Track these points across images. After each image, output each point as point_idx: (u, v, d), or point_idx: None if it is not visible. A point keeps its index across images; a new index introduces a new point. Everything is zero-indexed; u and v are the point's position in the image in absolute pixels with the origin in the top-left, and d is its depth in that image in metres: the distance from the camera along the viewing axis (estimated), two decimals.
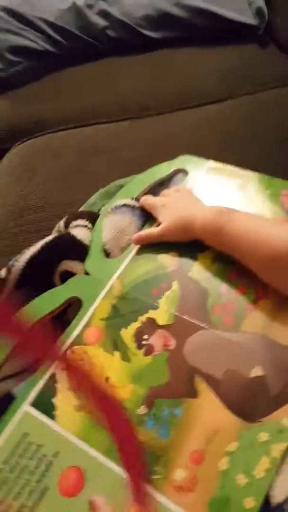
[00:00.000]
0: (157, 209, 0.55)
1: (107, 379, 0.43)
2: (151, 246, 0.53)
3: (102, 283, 0.51)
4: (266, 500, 0.36)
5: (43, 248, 0.56)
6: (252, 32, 1.03)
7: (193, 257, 0.51)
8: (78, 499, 0.37)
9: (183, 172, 0.62)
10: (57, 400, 0.43)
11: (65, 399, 0.43)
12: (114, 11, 1.07)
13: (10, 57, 1.05)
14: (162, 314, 0.47)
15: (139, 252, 0.53)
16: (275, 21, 1.02)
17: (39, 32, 1.07)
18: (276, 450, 0.37)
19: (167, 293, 0.48)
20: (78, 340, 0.47)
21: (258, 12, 1.02)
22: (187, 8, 1.04)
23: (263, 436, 0.38)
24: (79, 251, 0.57)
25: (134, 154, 0.85)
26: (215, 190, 0.58)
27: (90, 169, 0.84)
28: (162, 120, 0.92)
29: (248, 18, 1.02)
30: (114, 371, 0.44)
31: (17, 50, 1.05)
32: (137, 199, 0.59)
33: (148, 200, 0.57)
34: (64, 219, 0.63)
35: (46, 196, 0.80)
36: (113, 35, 1.08)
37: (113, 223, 0.57)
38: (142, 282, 0.50)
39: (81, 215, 0.61)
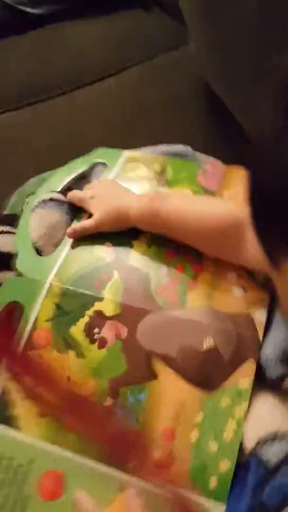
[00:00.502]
0: (87, 202, 0.55)
1: (68, 378, 0.44)
2: (84, 239, 0.53)
3: (39, 283, 0.50)
4: (241, 453, 0.39)
5: None
6: None
7: (129, 244, 0.52)
8: (61, 500, 0.39)
9: (102, 164, 0.62)
10: (17, 411, 0.43)
11: (25, 408, 0.43)
12: None
13: None
14: (108, 305, 0.47)
15: (73, 247, 0.53)
16: None
17: None
18: (239, 411, 0.40)
19: (110, 283, 0.49)
20: (30, 345, 0.46)
21: None
22: None
23: (225, 401, 0.41)
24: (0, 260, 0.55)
25: (45, 143, 0.83)
26: (135, 179, 0.59)
27: (1, 166, 0.81)
28: (66, 101, 0.89)
29: None
30: (73, 370, 0.44)
31: None
32: (62, 193, 0.58)
33: (77, 194, 0.57)
34: None
35: None
36: None
37: (43, 219, 0.55)
38: (82, 276, 0.50)
39: (2, 221, 0.59)
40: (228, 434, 0.40)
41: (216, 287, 0.48)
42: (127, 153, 0.62)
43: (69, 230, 0.54)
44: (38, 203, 0.56)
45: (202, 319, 0.46)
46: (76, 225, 0.54)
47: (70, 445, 0.41)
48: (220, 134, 0.80)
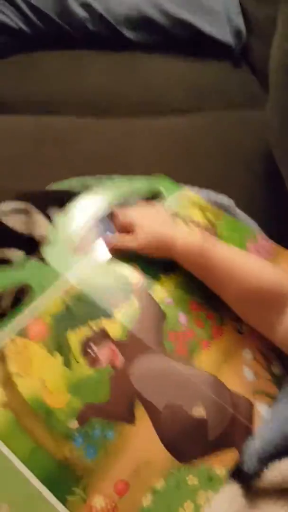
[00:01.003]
0: (136, 223, 0.53)
1: (43, 381, 0.41)
2: (117, 254, 0.52)
3: (58, 276, 0.49)
4: None
5: None
6: (228, 51, 1.04)
7: (157, 277, 0.51)
8: None
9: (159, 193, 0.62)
10: None
11: None
12: (97, 5, 1.05)
13: None
14: (116, 327, 0.46)
15: (104, 256, 0.52)
16: (252, 45, 1.03)
17: (17, 10, 1.04)
18: (202, 497, 0.37)
19: (125, 306, 0.47)
20: (21, 332, 0.44)
21: (237, 33, 1.03)
22: (169, 16, 1.04)
23: (192, 480, 0.38)
24: (14, 240, 0.54)
25: (94, 151, 0.84)
26: (186, 219, 0.58)
27: (45, 159, 0.81)
28: (127, 123, 0.91)
29: (226, 36, 1.03)
30: (53, 375, 0.42)
31: None
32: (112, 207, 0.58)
33: (128, 213, 0.56)
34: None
35: None
36: (91, 28, 1.06)
37: (90, 223, 0.56)
38: (101, 288, 0.48)
39: (19, 197, 0.58)
40: None
41: (228, 359, 0.45)
42: (186, 191, 0.62)
43: (110, 241, 0.53)
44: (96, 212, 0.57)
45: (202, 384, 0.43)
46: (119, 240, 0.53)
47: (21, 447, 0.38)
48: (269, 200, 0.78)
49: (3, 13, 1.04)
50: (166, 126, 0.90)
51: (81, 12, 1.05)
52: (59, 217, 0.57)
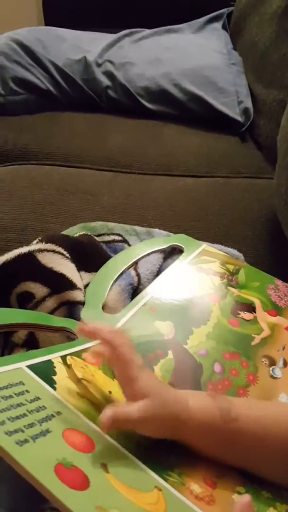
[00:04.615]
0: (137, 382, 0.38)
1: (109, 391, 0.42)
2: (148, 311, 0.53)
3: None
4: None
5: (2, 265, 0.56)
6: (236, 127, 1.14)
7: (189, 330, 0.52)
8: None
9: (179, 248, 0.66)
10: (56, 379, 0.40)
11: (64, 381, 0.40)
12: (119, 75, 1.15)
13: (13, 86, 1.09)
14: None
15: (137, 314, 0.53)
16: (259, 123, 1.14)
17: (46, 73, 1.13)
18: (281, 508, 0.37)
19: (162, 360, 0.48)
20: (77, 355, 0.44)
21: (245, 111, 1.14)
22: (184, 91, 1.15)
23: (266, 494, 0.38)
24: (42, 273, 0.56)
25: (112, 203, 0.89)
26: (207, 271, 0.61)
27: (68, 205, 0.86)
28: (143, 180, 0.97)
29: (235, 114, 1.13)
30: (116, 389, 0.41)
31: (21, 82, 1.10)
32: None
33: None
34: (36, 240, 0.63)
35: (19, 219, 0.81)
36: (113, 96, 1.16)
37: (123, 286, 0.58)
38: (138, 345, 0.48)
39: (52, 239, 0.61)
40: None
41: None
42: (205, 245, 0.66)
43: (109, 414, 0.35)
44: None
45: None
46: (120, 411, 0.37)
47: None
48: (274, 259, 0.84)
49: (32, 73, 1.13)
50: (180, 186, 0.97)
51: (104, 80, 1.16)
52: (94, 277, 0.59)
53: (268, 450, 0.39)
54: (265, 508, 0.37)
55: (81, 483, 0.30)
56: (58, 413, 0.36)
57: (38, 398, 0.36)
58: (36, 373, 0.38)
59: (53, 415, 0.35)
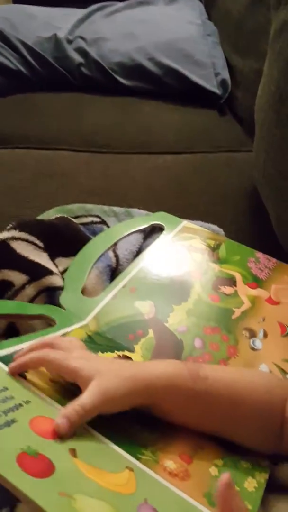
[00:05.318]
0: (79, 372, 0.38)
1: None
2: (128, 292, 0.54)
3: (78, 318, 0.50)
4: None
5: None
6: (214, 99, 1.12)
7: (169, 307, 0.52)
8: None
9: (160, 227, 0.65)
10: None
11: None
12: (92, 51, 1.12)
13: None
14: (137, 358, 0.47)
15: (117, 295, 0.54)
16: (236, 95, 1.12)
17: (16, 53, 1.09)
18: (260, 476, 0.38)
19: (143, 340, 0.49)
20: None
21: (222, 83, 1.12)
22: (159, 65, 1.12)
23: (245, 464, 0.39)
24: (19, 262, 0.55)
25: (90, 184, 0.87)
26: (188, 248, 0.61)
27: (44, 189, 0.85)
28: (122, 159, 0.95)
29: (212, 86, 1.11)
30: None
31: None
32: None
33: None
34: (9, 226, 0.61)
35: None
36: (87, 73, 1.12)
37: (101, 268, 0.57)
38: (118, 326, 0.50)
39: (26, 227, 0.59)
40: (249, 486, 0.37)
41: None
42: (185, 222, 0.65)
43: (60, 422, 0.34)
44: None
45: None
46: (69, 412, 0.34)
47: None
48: (254, 232, 0.83)
49: (2, 54, 1.10)
50: (160, 164, 0.95)
51: (77, 57, 1.12)
52: (72, 261, 0.58)
53: (241, 414, 0.39)
54: (243, 479, 0.37)
55: (45, 470, 0.29)
56: (27, 402, 0.35)
57: (5, 389, 0.36)
58: (6, 363, 0.38)
59: (21, 405, 0.34)
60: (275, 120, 0.73)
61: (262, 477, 0.38)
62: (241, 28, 1.11)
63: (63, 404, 0.36)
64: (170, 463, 0.36)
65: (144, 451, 0.36)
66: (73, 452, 0.32)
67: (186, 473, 0.36)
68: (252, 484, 0.37)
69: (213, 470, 0.37)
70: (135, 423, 0.38)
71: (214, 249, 0.61)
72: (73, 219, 0.68)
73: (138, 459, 0.35)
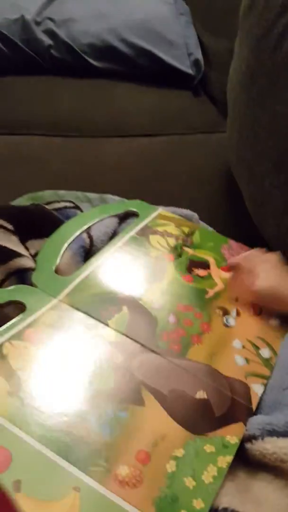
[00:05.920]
0: (258, 265, 0.54)
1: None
2: (102, 271, 0.54)
3: (49, 297, 0.49)
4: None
5: None
6: (188, 80, 1.10)
7: (144, 287, 0.53)
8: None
9: (134, 213, 0.65)
10: None
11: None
12: (61, 32, 1.09)
13: None
14: (110, 333, 0.47)
15: (92, 273, 0.53)
16: (210, 75, 1.10)
17: None
18: (223, 461, 0.38)
19: (117, 315, 0.49)
20: (19, 337, 0.44)
21: (196, 64, 1.10)
22: (131, 46, 1.09)
23: (209, 448, 0.39)
24: None
25: (63, 170, 0.86)
26: (162, 233, 0.61)
27: (14, 176, 0.82)
28: (95, 143, 0.94)
29: (185, 67, 1.09)
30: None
31: None
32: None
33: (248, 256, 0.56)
34: None
35: None
36: (57, 55, 1.10)
37: (74, 249, 0.57)
38: (92, 302, 0.49)
39: None
40: (207, 477, 0.37)
41: (220, 350, 0.48)
42: (160, 210, 0.66)
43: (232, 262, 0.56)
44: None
45: (200, 373, 0.45)
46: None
47: (31, 430, 0.37)
48: (229, 213, 0.83)
49: None
50: (134, 148, 0.94)
51: (46, 40, 1.09)
52: (45, 243, 0.57)
53: None
54: (202, 469, 0.37)
55: None
56: None
57: None
58: None
59: None
60: (246, 100, 0.72)
61: (225, 461, 0.38)
62: (213, 5, 1.09)
63: (19, 421, 0.37)
64: (124, 468, 0.36)
65: (97, 460, 0.36)
66: (17, 484, 0.32)
67: (139, 477, 0.36)
68: (212, 473, 0.37)
69: (170, 466, 0.37)
70: (92, 436, 0.38)
71: (188, 235, 0.62)
72: (45, 206, 0.66)
73: (88, 472, 0.35)
